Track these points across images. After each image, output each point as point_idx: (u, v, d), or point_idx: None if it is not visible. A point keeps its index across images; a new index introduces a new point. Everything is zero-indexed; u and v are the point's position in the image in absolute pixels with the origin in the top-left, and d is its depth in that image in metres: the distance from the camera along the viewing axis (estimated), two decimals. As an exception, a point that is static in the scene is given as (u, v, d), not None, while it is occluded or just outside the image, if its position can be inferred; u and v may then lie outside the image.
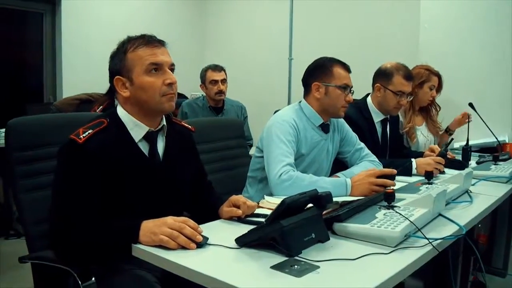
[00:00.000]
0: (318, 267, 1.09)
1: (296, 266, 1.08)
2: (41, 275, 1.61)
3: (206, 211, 1.59)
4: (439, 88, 2.99)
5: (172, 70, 1.46)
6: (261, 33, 4.74)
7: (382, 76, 2.47)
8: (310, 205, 1.30)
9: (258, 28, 4.77)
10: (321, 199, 1.27)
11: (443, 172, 2.28)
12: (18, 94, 4.12)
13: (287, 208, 1.15)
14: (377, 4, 3.89)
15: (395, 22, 3.78)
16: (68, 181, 1.34)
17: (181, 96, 4.41)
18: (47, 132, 1.64)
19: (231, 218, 1.49)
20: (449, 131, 3.07)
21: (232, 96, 3.86)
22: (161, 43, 1.46)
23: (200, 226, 1.41)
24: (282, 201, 1.14)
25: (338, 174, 2.01)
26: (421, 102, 2.97)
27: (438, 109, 3.05)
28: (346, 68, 2.01)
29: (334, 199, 1.59)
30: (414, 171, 2.25)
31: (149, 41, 1.44)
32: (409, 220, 1.29)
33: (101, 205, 1.35)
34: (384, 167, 2.12)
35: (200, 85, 3.59)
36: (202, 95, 3.67)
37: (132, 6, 4.59)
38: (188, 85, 4.33)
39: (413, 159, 2.29)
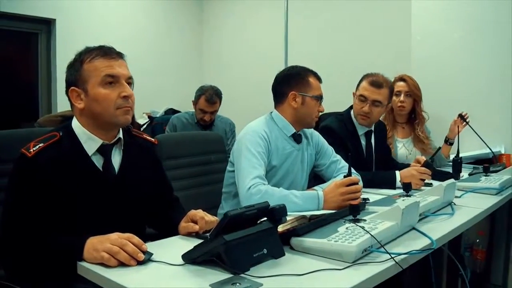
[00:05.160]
0: (261, 284, 1.02)
1: (237, 284, 1.01)
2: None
3: (169, 227, 1.52)
4: (413, 94, 2.88)
5: (130, 83, 1.42)
6: (256, 50, 4.71)
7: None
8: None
9: (253, 43, 4.73)
10: (274, 212, 1.19)
11: (430, 184, 2.19)
12: (13, 113, 4.11)
13: (232, 222, 1.08)
14: (370, 17, 3.85)
15: (387, 35, 3.73)
16: (15, 195, 1.31)
17: (176, 112, 4.36)
18: (5, 147, 1.61)
19: (189, 234, 1.43)
20: (448, 141, 2.94)
21: (227, 112, 3.79)
22: (119, 55, 1.43)
23: (154, 242, 1.36)
24: (225, 214, 1.08)
25: (315, 187, 1.93)
26: (396, 112, 2.93)
27: (422, 121, 2.93)
28: (319, 78, 2.01)
29: (304, 213, 1.54)
30: (398, 183, 2.16)
31: (107, 52, 1.40)
32: (370, 234, 1.21)
33: (51, 220, 1.30)
34: (365, 179, 2.04)
35: (192, 101, 3.52)
36: (192, 110, 3.62)
37: (128, 28, 4.57)
38: (186, 103, 4.22)
39: (396, 171, 2.20)
